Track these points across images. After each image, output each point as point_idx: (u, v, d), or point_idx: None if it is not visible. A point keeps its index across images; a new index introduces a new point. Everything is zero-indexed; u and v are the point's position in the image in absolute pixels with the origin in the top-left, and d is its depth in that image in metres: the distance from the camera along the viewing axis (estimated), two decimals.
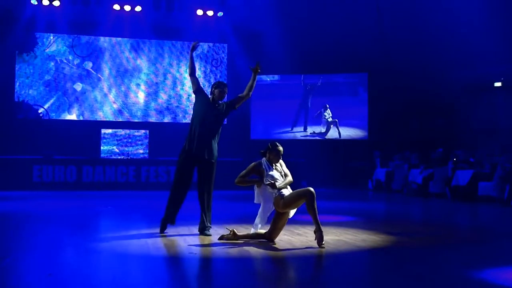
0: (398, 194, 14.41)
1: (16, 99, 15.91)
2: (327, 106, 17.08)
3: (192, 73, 7.10)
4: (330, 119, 17.08)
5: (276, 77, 17.53)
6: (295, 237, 6.60)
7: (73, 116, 16.25)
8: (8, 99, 15.91)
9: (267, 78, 17.41)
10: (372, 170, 16.10)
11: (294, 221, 8.20)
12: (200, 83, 7.19)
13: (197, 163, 6.88)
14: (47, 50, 16.20)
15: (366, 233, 7.03)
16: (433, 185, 13.10)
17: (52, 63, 16.24)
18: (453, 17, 14.75)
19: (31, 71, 16.01)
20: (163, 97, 17.01)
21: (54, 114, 16.12)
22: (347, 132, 17.05)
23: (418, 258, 5.63)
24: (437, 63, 15.54)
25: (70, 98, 16.30)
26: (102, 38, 16.61)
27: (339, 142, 17.00)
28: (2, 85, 15.59)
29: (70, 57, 16.37)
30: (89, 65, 16.53)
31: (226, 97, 7.15)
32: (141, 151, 15.60)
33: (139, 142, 15.73)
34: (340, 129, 17.01)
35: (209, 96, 7.04)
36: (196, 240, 6.42)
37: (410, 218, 10.12)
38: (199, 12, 16.47)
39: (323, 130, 17.14)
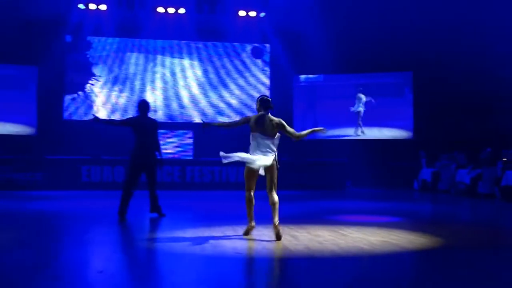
0: (445, 195, 14.12)
1: (65, 100, 16.39)
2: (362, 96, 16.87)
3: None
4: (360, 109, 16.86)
5: (318, 76, 17.45)
6: (340, 238, 6.57)
7: (117, 117, 16.62)
8: (57, 101, 16.39)
9: (309, 77, 17.34)
10: (417, 170, 15.84)
11: (339, 221, 8.17)
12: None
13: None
14: (94, 53, 16.61)
15: (412, 234, 6.92)
16: (482, 185, 12.80)
17: (101, 65, 16.65)
18: (502, 12, 14.34)
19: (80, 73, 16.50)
20: (206, 98, 17.18)
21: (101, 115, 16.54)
22: (392, 133, 16.80)
23: (466, 261, 5.51)
24: (485, 60, 15.14)
25: (116, 99, 16.68)
26: (146, 40, 16.91)
27: (383, 142, 16.77)
28: (53, 88, 16.07)
29: (117, 60, 16.75)
30: (134, 66, 16.86)
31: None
32: (186, 152, 15.81)
33: (184, 143, 15.95)
34: (384, 129, 16.78)
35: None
36: (241, 240, 6.46)
37: (458, 219, 9.91)
38: (242, 13, 16.57)
39: (361, 131, 16.94)
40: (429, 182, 15.13)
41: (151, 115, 8.82)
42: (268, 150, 6.41)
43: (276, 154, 6.49)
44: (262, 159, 6.33)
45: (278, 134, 6.52)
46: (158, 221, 8.21)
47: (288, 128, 6.61)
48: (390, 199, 12.90)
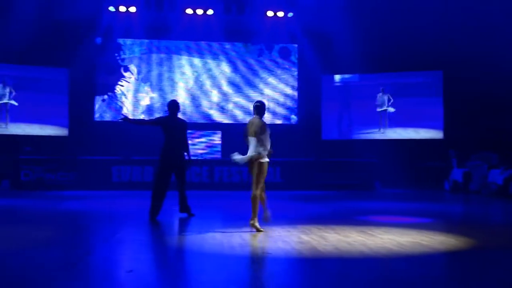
0: (476, 195, 13.88)
1: (95, 101, 16.66)
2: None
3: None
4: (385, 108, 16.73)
5: (347, 76, 17.34)
6: (369, 239, 6.52)
7: (146, 117, 16.83)
8: (88, 103, 16.67)
9: (345, 77, 17.24)
10: (448, 170, 15.60)
11: (368, 222, 8.11)
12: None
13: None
14: (124, 55, 16.85)
15: (443, 235, 6.83)
16: None
17: (131, 66, 16.89)
18: None
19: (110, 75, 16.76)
20: (234, 98, 17.24)
21: (131, 116, 16.76)
22: (422, 133, 16.58)
23: (498, 262, 5.41)
24: None
25: (145, 100, 16.89)
26: (176, 42, 17.07)
27: (413, 142, 16.56)
28: (84, 89, 16.34)
29: (146, 61, 16.96)
30: (164, 68, 17.04)
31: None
32: (214, 153, 15.89)
33: (213, 143, 16.04)
34: (415, 130, 16.58)
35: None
36: (270, 240, 6.46)
37: (490, 220, 9.73)
38: (270, 13, 16.57)
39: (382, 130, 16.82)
40: (460, 183, 14.89)
41: (180, 115, 8.90)
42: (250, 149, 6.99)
43: (256, 153, 6.94)
44: (236, 156, 7.07)
45: (260, 135, 6.98)
46: (187, 221, 8.27)
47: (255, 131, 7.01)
48: (420, 199, 12.74)
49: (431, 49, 15.72)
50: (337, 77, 17.14)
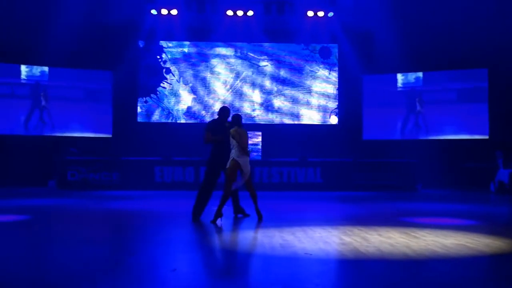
0: None
1: (138, 103, 16.98)
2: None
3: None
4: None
5: (388, 76, 17.13)
6: (412, 240, 6.43)
7: (188, 119, 17.05)
8: (132, 104, 17.00)
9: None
10: (494, 171, 15.20)
11: (410, 223, 7.99)
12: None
13: None
14: (166, 57, 17.10)
15: (489, 238, 6.67)
16: None
17: (172, 68, 17.13)
18: None
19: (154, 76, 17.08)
20: (275, 98, 17.27)
21: (173, 117, 17.01)
22: (466, 132, 16.22)
23: None
24: None
25: (187, 101, 17.11)
26: (216, 43, 17.23)
27: (456, 142, 16.22)
28: (127, 91, 16.68)
29: (187, 63, 17.18)
30: (204, 69, 17.23)
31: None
32: (254, 153, 15.94)
33: (253, 143, 16.09)
34: (459, 130, 16.27)
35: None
36: (311, 241, 6.45)
37: None
38: (310, 13, 16.52)
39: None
40: (506, 184, 14.49)
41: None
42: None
43: (234, 157, 8.03)
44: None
45: (234, 141, 8.03)
46: (229, 221, 8.33)
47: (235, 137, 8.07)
48: (465, 201, 12.46)
49: (476, 46, 15.35)
50: (376, 77, 16.98)
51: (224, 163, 8.27)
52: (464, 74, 16.36)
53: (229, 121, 8.33)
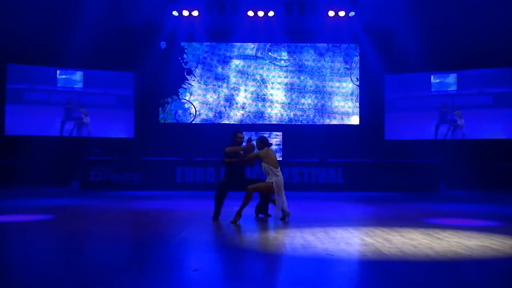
0: None
1: (160, 104, 17.12)
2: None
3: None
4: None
5: (410, 76, 16.97)
6: (435, 241, 6.36)
7: (210, 120, 17.12)
8: (153, 105, 17.15)
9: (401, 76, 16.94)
10: None
11: (433, 224, 7.91)
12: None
13: None
14: (187, 58, 17.21)
15: None
16: None
17: (194, 69, 17.23)
18: None
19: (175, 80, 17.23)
20: (295, 98, 17.24)
21: (195, 119, 17.10)
22: (491, 132, 15.99)
23: None
24: None
25: (208, 102, 17.19)
26: (238, 44, 17.28)
27: (480, 142, 16.00)
28: (148, 92, 16.81)
29: (209, 63, 17.26)
30: (225, 70, 17.30)
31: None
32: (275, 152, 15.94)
33: (273, 144, 16.09)
34: (482, 128, 16.04)
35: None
36: (333, 241, 6.43)
37: None
38: (331, 13, 16.46)
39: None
40: None
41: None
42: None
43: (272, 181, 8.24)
44: None
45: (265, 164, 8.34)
46: (249, 221, 8.35)
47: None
48: (489, 202, 12.28)
49: (499, 45, 15.13)
50: (398, 76, 16.83)
51: (235, 184, 8.45)
52: (487, 73, 16.13)
53: (253, 143, 8.66)
